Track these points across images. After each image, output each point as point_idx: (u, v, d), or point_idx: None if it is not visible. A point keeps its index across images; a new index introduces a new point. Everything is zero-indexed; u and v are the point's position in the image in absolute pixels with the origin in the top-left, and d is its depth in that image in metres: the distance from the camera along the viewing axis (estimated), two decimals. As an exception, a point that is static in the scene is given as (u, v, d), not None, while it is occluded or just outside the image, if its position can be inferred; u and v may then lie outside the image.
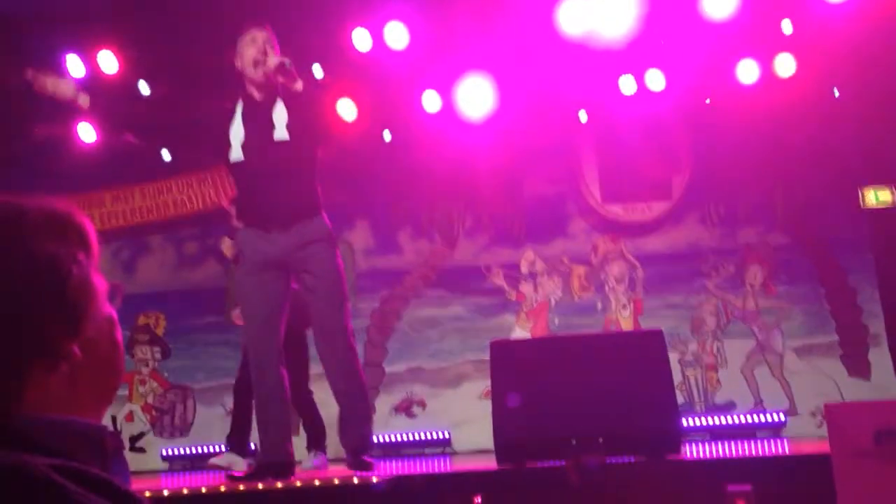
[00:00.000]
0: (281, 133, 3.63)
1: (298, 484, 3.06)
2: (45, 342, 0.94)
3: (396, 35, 5.65)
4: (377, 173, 6.71)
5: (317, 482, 3.03)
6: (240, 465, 4.47)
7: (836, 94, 6.12)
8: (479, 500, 2.94)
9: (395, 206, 6.80)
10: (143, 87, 5.76)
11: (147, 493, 3.07)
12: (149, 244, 6.88)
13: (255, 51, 3.63)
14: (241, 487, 3.06)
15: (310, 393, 4.90)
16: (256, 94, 3.72)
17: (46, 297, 0.94)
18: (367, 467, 3.44)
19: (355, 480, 3.09)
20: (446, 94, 6.07)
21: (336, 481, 3.07)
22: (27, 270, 0.95)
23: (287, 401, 3.76)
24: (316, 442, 4.83)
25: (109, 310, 1.09)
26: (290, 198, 3.62)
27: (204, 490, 3.26)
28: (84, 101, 3.71)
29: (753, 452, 4.23)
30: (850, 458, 1.82)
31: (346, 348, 3.70)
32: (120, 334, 1.11)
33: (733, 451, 4.38)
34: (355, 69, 5.95)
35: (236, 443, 4.71)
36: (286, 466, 3.59)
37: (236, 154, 3.67)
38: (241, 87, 3.78)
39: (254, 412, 3.89)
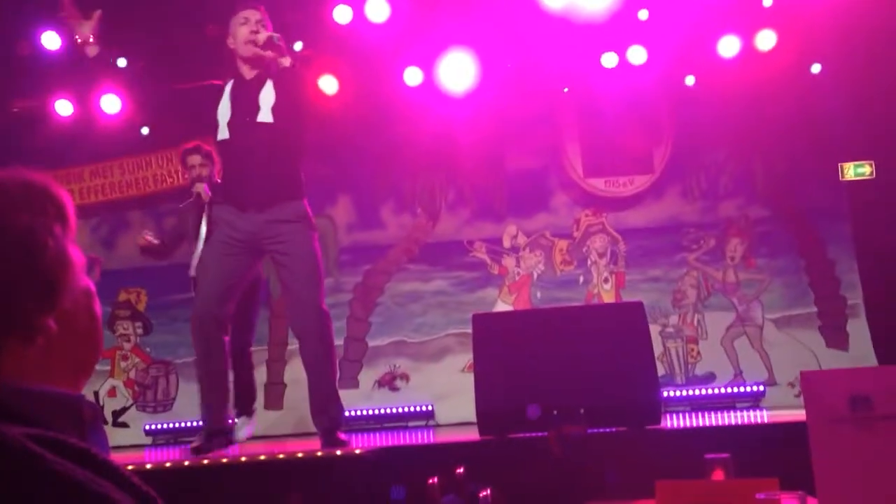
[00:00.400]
0: (265, 115, 3.64)
1: (281, 456, 3.08)
2: (20, 315, 0.93)
3: (377, 8, 5.62)
4: (359, 148, 6.69)
5: (300, 454, 3.05)
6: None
7: (817, 69, 6.15)
8: (462, 471, 2.97)
9: (378, 180, 6.78)
10: (121, 62, 5.68)
11: (130, 468, 3.08)
12: (128, 219, 6.83)
13: (248, 30, 3.65)
14: (224, 461, 3.08)
15: (250, 356, 4.90)
16: (247, 74, 3.73)
17: (21, 270, 0.93)
18: (342, 444, 3.46)
19: (338, 452, 3.12)
20: (428, 68, 6.05)
21: (319, 454, 3.10)
22: (1, 243, 0.94)
23: (227, 371, 3.80)
24: (247, 408, 4.82)
25: (87, 282, 1.08)
26: (268, 180, 3.63)
27: (187, 463, 3.27)
28: (92, 51, 3.70)
29: (732, 422, 4.30)
30: (825, 425, 1.87)
31: (320, 326, 3.70)
32: (98, 307, 1.10)
33: (712, 421, 4.45)
34: (336, 43, 5.92)
35: (247, 405, 4.70)
36: (227, 433, 3.73)
37: (223, 133, 3.68)
38: (233, 66, 3.78)
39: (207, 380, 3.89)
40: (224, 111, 3.69)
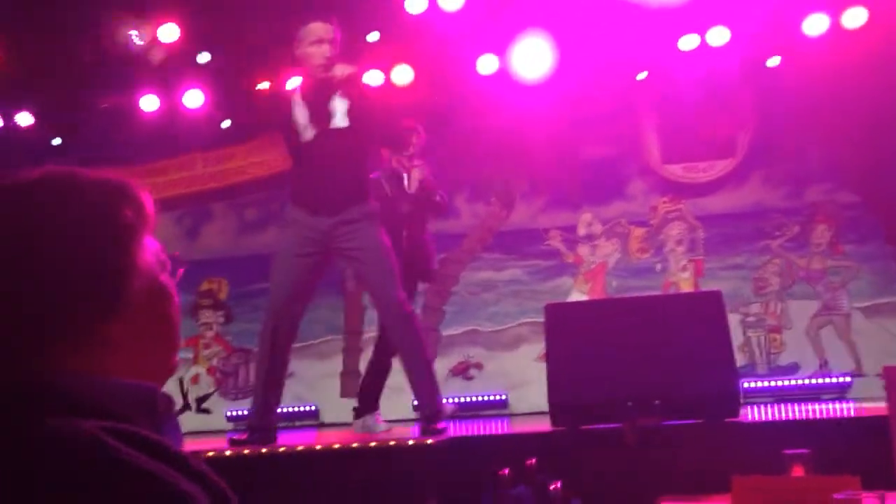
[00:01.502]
0: (340, 120, 3.74)
1: (355, 445, 3.13)
2: (77, 320, 0.93)
3: (451, -3, 5.60)
4: (433, 136, 6.68)
5: (372, 444, 3.10)
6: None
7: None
8: (533, 462, 2.96)
9: (452, 169, 6.78)
10: (203, 57, 5.84)
11: (211, 453, 3.18)
12: (211, 211, 7.02)
13: (321, 54, 3.74)
14: (300, 448, 3.15)
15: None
16: (316, 82, 3.81)
17: (85, 274, 0.94)
18: (438, 433, 3.50)
19: (410, 442, 3.15)
20: (503, 56, 6.01)
21: (392, 442, 3.13)
22: (70, 244, 0.96)
23: (284, 375, 3.92)
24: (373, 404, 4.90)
25: (165, 283, 1.08)
26: (341, 184, 3.75)
27: (282, 449, 3.34)
28: (156, 55, 3.82)
29: (815, 415, 4.16)
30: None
31: (403, 316, 3.78)
32: (176, 307, 1.09)
33: (794, 415, 4.32)
34: (410, 32, 5.93)
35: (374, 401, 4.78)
36: (270, 431, 3.77)
37: (307, 135, 3.77)
38: (302, 72, 3.88)
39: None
40: (301, 114, 3.78)
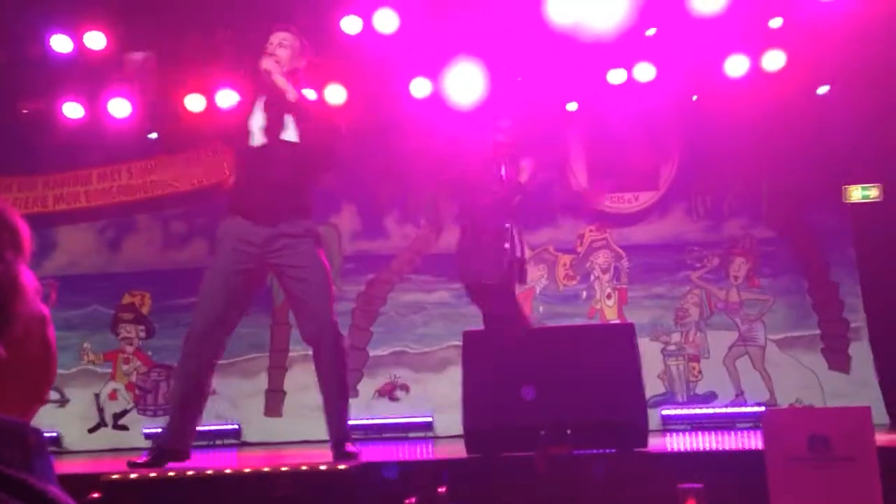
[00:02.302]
0: (291, 134, 3.74)
1: (266, 469, 3.11)
2: None
3: (386, 20, 5.65)
4: (365, 157, 6.71)
5: (284, 468, 3.07)
6: None
7: (824, 90, 6.12)
8: (445, 490, 2.98)
9: (383, 190, 6.81)
10: (130, 65, 5.76)
11: (115, 475, 3.11)
12: (135, 223, 6.89)
13: (275, 62, 3.75)
14: (209, 472, 3.11)
15: None
16: (276, 92, 3.79)
17: None
18: (350, 457, 3.49)
19: (322, 467, 3.13)
20: (436, 80, 6.07)
21: (304, 468, 3.12)
22: None
23: (206, 394, 3.81)
24: None
25: (42, 309, 1.07)
26: (283, 196, 3.70)
27: (190, 473, 3.28)
28: (292, 95, 3.75)
29: (720, 447, 4.28)
30: (784, 463, 1.86)
31: (335, 338, 3.75)
32: (52, 333, 1.09)
33: (700, 446, 4.43)
34: (344, 53, 5.95)
35: None
36: (181, 455, 3.68)
37: (258, 140, 3.74)
38: (263, 82, 3.84)
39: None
40: (258, 121, 3.78)
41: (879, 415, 5.69)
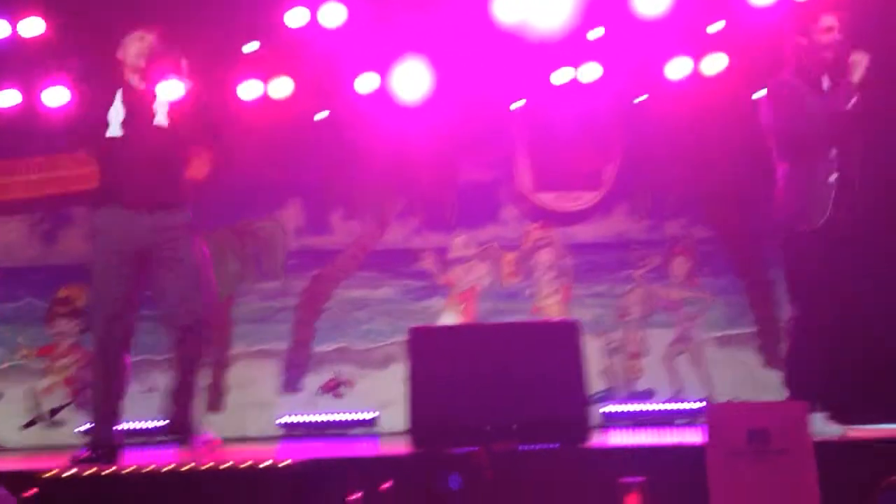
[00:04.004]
0: (161, 119, 3.85)
1: (203, 467, 3.06)
2: None
3: (332, 13, 5.61)
4: (311, 152, 6.66)
5: (223, 466, 3.04)
6: None
7: (761, 94, 6.26)
8: (389, 485, 2.98)
9: (328, 185, 6.77)
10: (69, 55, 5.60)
11: (53, 471, 3.04)
12: (71, 215, 6.71)
13: (139, 49, 3.91)
14: (148, 468, 3.05)
15: None
16: (137, 84, 3.92)
17: None
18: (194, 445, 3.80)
19: (265, 464, 3.11)
20: (382, 75, 6.05)
21: (244, 465, 3.09)
22: None
23: (125, 388, 3.93)
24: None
25: None
26: (161, 182, 3.80)
27: (126, 472, 3.22)
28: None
29: (661, 442, 4.37)
30: (724, 456, 1.91)
31: (200, 334, 3.94)
32: None
33: (643, 441, 4.51)
34: (290, 45, 5.89)
35: None
36: (115, 449, 3.82)
37: (114, 130, 3.80)
38: (120, 75, 3.96)
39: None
40: (116, 112, 3.83)
41: (811, 410, 5.86)
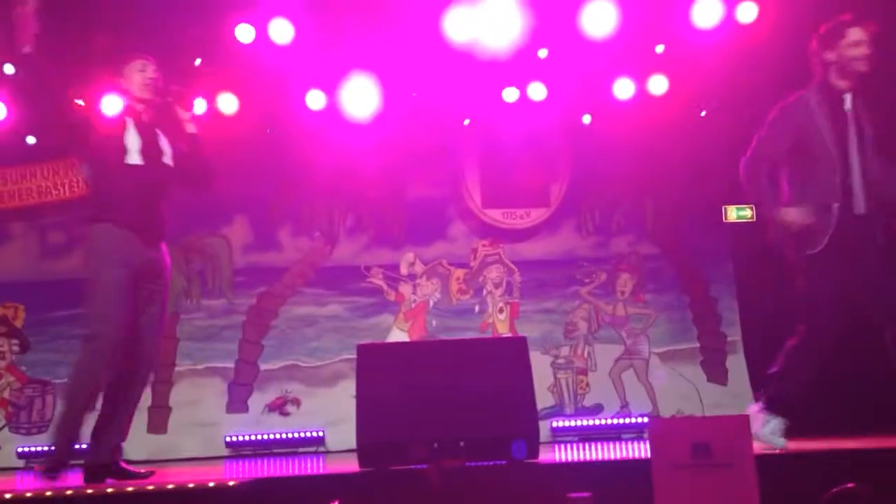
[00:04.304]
0: (168, 158, 3.97)
1: (150, 488, 3.00)
2: None
3: (281, 29, 5.59)
4: (258, 168, 6.60)
5: (170, 486, 2.97)
6: None
7: (703, 114, 6.44)
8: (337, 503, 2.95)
9: (276, 202, 6.71)
10: (8, 68, 5.47)
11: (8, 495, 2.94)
12: (9, 231, 6.52)
13: (143, 79, 3.97)
14: (89, 491, 2.97)
15: None
16: (144, 115, 3.99)
17: None
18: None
19: (211, 484, 3.05)
20: (331, 92, 6.04)
21: (191, 485, 3.03)
22: None
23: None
24: None
25: None
26: (159, 218, 3.94)
27: (69, 492, 3.13)
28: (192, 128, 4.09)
29: (608, 456, 4.41)
30: (668, 470, 1.94)
31: (145, 377, 4.02)
32: None
33: (592, 456, 4.56)
34: (237, 62, 5.85)
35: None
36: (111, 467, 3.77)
37: (134, 159, 3.86)
38: (130, 102, 4.00)
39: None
40: (133, 140, 3.88)
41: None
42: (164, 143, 4.00)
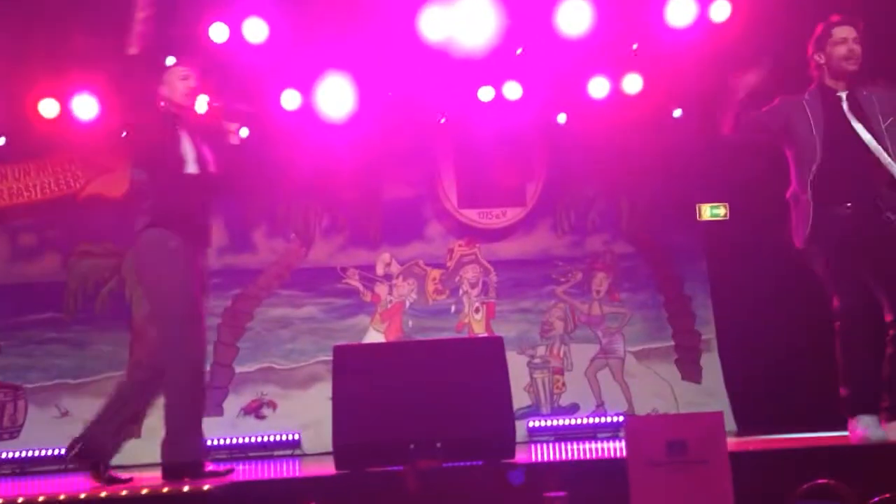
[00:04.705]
0: (212, 165, 4.02)
1: (124, 493, 2.96)
2: None
3: (255, 29, 5.55)
4: (232, 169, 6.54)
5: (144, 491, 2.94)
6: None
7: (678, 113, 6.48)
8: (313, 507, 2.93)
9: (251, 203, 6.67)
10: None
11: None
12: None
13: (186, 88, 4.03)
14: (62, 497, 2.93)
15: None
16: (189, 124, 4.04)
17: None
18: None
19: (186, 488, 3.02)
20: (306, 92, 6.01)
21: (165, 490, 2.99)
22: None
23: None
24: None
25: None
26: (209, 225, 4.02)
27: (41, 499, 3.08)
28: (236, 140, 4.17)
29: (585, 455, 4.42)
30: (644, 467, 1.95)
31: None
32: None
33: (565, 456, 4.56)
34: (211, 62, 5.79)
35: None
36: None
37: (192, 168, 3.90)
38: (174, 110, 4.02)
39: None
40: (188, 149, 3.93)
41: (728, 422, 6.03)
42: (208, 152, 4.06)
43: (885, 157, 3.71)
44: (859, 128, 3.77)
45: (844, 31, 3.84)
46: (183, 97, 4.00)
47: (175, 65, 4.07)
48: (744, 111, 3.96)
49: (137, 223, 3.85)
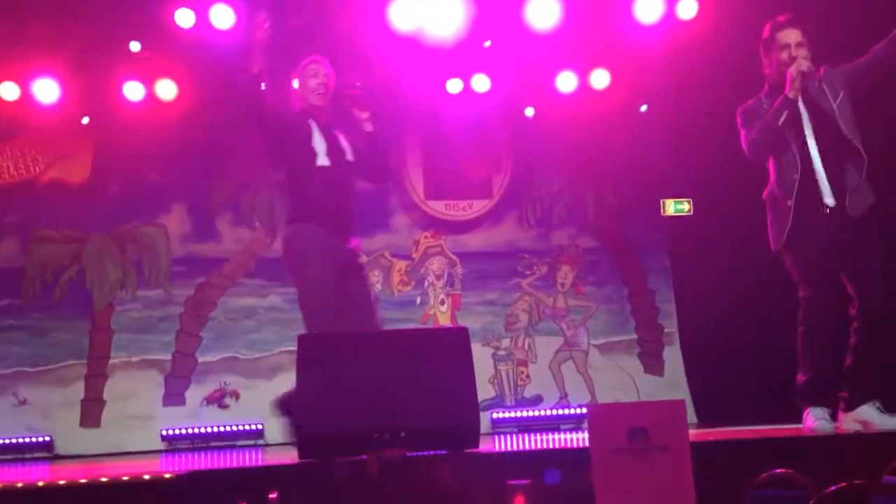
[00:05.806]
0: (350, 154, 4.15)
1: (83, 481, 2.92)
2: None
3: (222, 14, 5.49)
4: (197, 156, 6.48)
5: (104, 479, 2.90)
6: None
7: (643, 109, 6.54)
8: (276, 496, 2.91)
9: (215, 191, 6.60)
10: None
11: None
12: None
13: (318, 83, 4.17)
14: (19, 485, 2.88)
15: None
16: (320, 117, 4.15)
17: None
18: None
19: (146, 477, 2.99)
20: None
21: (126, 478, 2.96)
22: None
23: None
24: None
25: None
26: (351, 212, 4.11)
27: None
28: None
29: (548, 445, 4.46)
30: (606, 455, 1.97)
31: None
32: None
33: (526, 445, 4.60)
34: (177, 47, 5.74)
35: None
36: None
37: (323, 160, 4.03)
38: (308, 106, 4.15)
39: None
40: (319, 142, 4.06)
41: (689, 414, 6.11)
42: (344, 142, 4.15)
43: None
44: (811, 142, 3.78)
45: (789, 36, 3.81)
46: (315, 95, 4.14)
47: (307, 62, 4.22)
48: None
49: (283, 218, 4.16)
